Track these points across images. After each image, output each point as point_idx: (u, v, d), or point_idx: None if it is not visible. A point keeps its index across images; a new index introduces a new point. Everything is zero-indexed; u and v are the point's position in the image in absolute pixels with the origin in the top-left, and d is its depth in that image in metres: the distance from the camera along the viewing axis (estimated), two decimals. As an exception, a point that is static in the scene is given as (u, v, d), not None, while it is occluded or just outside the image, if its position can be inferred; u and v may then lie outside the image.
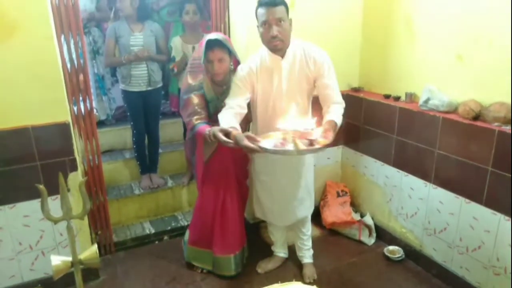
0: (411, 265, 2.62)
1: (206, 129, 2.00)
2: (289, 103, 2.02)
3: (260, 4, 1.94)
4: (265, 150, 1.71)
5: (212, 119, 2.18)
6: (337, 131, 1.93)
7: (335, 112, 2.01)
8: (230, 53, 2.15)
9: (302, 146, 1.67)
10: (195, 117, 2.15)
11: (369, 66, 2.94)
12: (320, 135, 1.76)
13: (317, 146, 1.68)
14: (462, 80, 2.26)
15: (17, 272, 2.27)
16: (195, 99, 2.18)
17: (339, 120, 1.99)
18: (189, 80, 2.23)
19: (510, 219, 1.96)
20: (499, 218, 2.05)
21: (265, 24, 1.93)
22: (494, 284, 2.14)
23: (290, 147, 1.68)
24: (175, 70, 3.12)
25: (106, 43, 3.11)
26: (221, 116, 1.98)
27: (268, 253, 2.64)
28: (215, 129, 1.88)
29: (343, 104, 2.10)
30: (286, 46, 2.01)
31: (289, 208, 2.33)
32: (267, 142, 1.76)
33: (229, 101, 2.06)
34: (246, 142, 1.72)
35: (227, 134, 1.83)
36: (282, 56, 2.02)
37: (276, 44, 1.96)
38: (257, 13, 1.96)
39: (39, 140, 2.14)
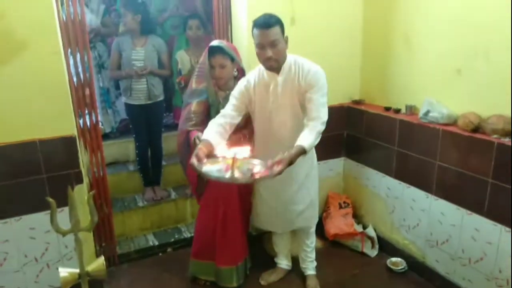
0: (414, 277, 2.61)
1: (195, 135, 2.14)
2: (285, 115, 2.11)
3: (254, 25, 1.95)
4: (204, 174, 1.76)
5: None
6: (318, 140, 1.96)
7: (308, 132, 1.93)
8: (233, 60, 2.22)
9: (237, 174, 1.71)
10: (190, 123, 2.24)
11: (370, 79, 2.98)
12: (269, 165, 1.76)
13: (249, 177, 1.72)
14: (461, 93, 2.29)
15: (22, 284, 2.29)
16: (195, 106, 2.26)
17: (308, 142, 1.89)
18: (193, 84, 2.31)
19: (510, 230, 1.97)
20: (500, 229, 2.06)
21: (260, 46, 1.96)
22: (497, 296, 2.14)
23: (227, 174, 1.71)
24: (183, 83, 3.09)
25: (111, 56, 3.20)
26: (209, 124, 2.06)
27: (272, 265, 2.64)
28: (199, 135, 2.05)
29: (322, 119, 1.97)
30: (282, 63, 2.04)
31: (287, 218, 2.34)
32: (211, 166, 1.78)
33: (224, 111, 2.13)
34: (193, 160, 1.77)
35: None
36: (278, 72, 2.06)
37: (271, 64, 2.00)
38: (253, 33, 1.98)
39: (45, 153, 2.18)
